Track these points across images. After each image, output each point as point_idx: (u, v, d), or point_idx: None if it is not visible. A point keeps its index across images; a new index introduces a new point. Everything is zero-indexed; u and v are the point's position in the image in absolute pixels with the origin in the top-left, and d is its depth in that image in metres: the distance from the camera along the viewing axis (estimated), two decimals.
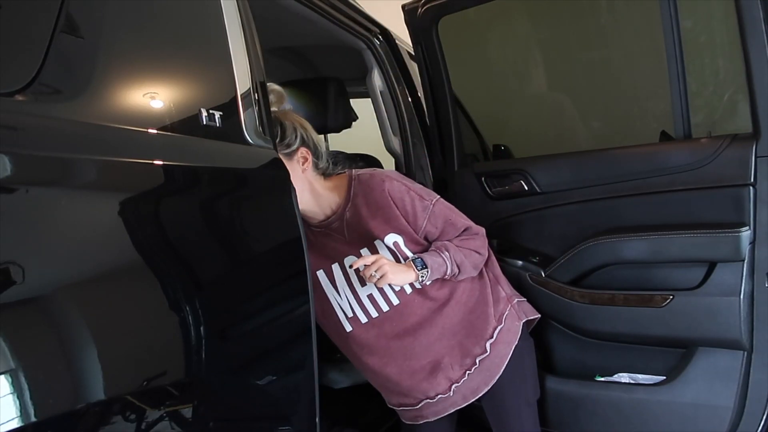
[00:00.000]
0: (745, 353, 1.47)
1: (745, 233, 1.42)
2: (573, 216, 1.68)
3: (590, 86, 1.97)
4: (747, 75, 1.42)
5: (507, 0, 1.85)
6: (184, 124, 0.95)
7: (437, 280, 1.41)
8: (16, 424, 0.61)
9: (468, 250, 1.43)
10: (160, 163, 0.87)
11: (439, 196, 1.46)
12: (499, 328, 1.45)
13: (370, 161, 2.10)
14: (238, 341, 0.98)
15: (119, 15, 0.89)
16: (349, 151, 2.10)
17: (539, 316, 1.57)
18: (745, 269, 1.44)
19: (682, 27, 1.54)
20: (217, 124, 1.01)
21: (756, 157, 1.42)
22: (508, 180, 1.78)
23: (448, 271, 1.38)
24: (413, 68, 2.12)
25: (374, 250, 1.41)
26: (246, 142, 1.08)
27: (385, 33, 2.06)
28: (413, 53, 1.98)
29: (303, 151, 1.37)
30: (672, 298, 1.51)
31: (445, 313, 1.43)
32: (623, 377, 1.65)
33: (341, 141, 2.24)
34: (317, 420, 1.15)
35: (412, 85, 2.09)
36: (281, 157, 1.23)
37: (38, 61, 0.73)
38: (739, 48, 1.42)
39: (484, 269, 1.51)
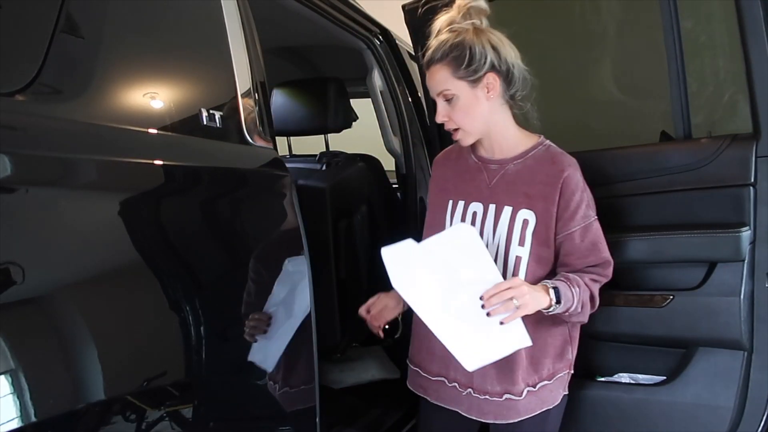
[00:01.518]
0: (746, 353, 1.47)
1: (746, 233, 1.42)
2: None
3: (590, 86, 1.97)
4: (747, 75, 1.42)
5: (507, 0, 1.84)
6: (185, 124, 0.95)
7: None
8: (16, 424, 0.61)
9: (593, 294, 1.32)
10: (161, 163, 0.87)
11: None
12: (545, 383, 1.36)
13: (370, 161, 2.09)
14: (238, 341, 0.98)
15: (119, 15, 0.89)
16: (349, 151, 2.10)
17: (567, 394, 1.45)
18: (745, 269, 1.44)
19: (682, 27, 1.54)
20: (218, 124, 1.01)
21: (756, 157, 1.42)
22: None
23: (571, 309, 1.27)
24: (413, 68, 2.12)
25: (499, 212, 1.32)
26: (246, 142, 1.09)
27: (386, 33, 2.06)
28: (413, 53, 1.98)
29: (490, 77, 1.28)
30: (672, 298, 1.51)
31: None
32: (623, 377, 1.64)
33: (341, 141, 2.24)
34: (317, 420, 1.15)
35: (412, 85, 2.09)
36: (465, 82, 1.26)
37: (38, 61, 0.73)
38: (740, 48, 1.42)
39: (572, 324, 1.40)
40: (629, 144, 1.68)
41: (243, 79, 1.10)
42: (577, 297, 1.27)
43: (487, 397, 1.35)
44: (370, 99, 2.09)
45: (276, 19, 1.70)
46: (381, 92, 2.03)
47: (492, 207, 1.34)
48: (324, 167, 1.96)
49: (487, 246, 1.29)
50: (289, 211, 1.12)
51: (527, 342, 1.24)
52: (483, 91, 1.29)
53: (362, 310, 1.42)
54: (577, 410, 1.65)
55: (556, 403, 1.39)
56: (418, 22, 1.85)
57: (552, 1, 1.91)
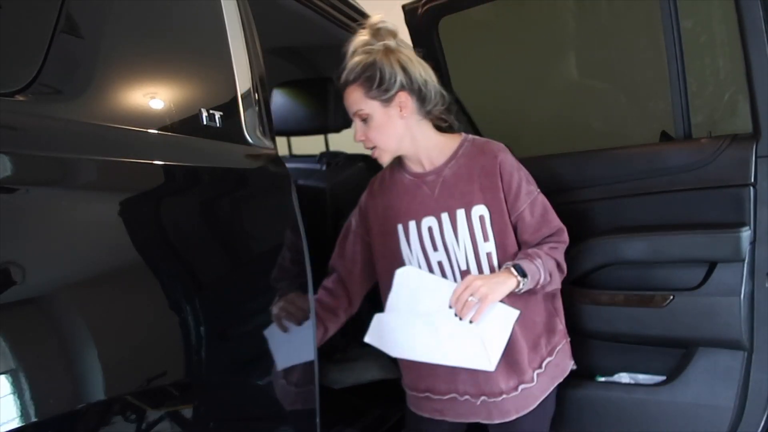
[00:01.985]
0: (746, 353, 1.47)
1: (746, 233, 1.42)
2: (573, 216, 1.68)
3: (591, 86, 1.97)
4: (747, 75, 1.42)
5: (507, 0, 1.84)
6: (185, 124, 0.95)
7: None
8: (16, 424, 0.61)
9: (557, 260, 1.35)
10: (161, 163, 0.87)
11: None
12: (548, 360, 1.39)
13: (371, 161, 2.09)
14: (238, 341, 0.98)
15: (119, 15, 0.89)
16: (349, 151, 2.10)
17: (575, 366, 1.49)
18: (745, 269, 1.44)
19: (682, 27, 1.54)
20: (218, 124, 1.01)
21: (756, 157, 1.42)
22: None
23: (541, 280, 1.30)
24: None
25: (453, 218, 1.35)
26: (246, 142, 1.08)
27: None
28: None
29: (401, 96, 1.31)
30: (672, 298, 1.51)
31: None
32: (624, 377, 1.64)
33: (341, 141, 2.24)
34: (317, 420, 1.15)
35: None
36: (377, 102, 1.29)
37: (38, 61, 0.73)
38: (739, 48, 1.42)
39: (551, 294, 1.43)
40: (629, 144, 1.68)
41: (243, 79, 1.10)
42: (542, 267, 1.30)
43: (504, 396, 1.36)
44: None
45: (276, 19, 1.70)
46: None
47: (445, 216, 1.36)
48: (324, 167, 1.97)
49: (455, 253, 1.36)
50: (289, 212, 1.12)
51: (515, 312, 1.29)
52: (396, 110, 1.32)
53: None
54: (577, 410, 1.65)
55: (566, 375, 1.43)
56: (418, 22, 1.86)
57: (552, 0, 1.91)
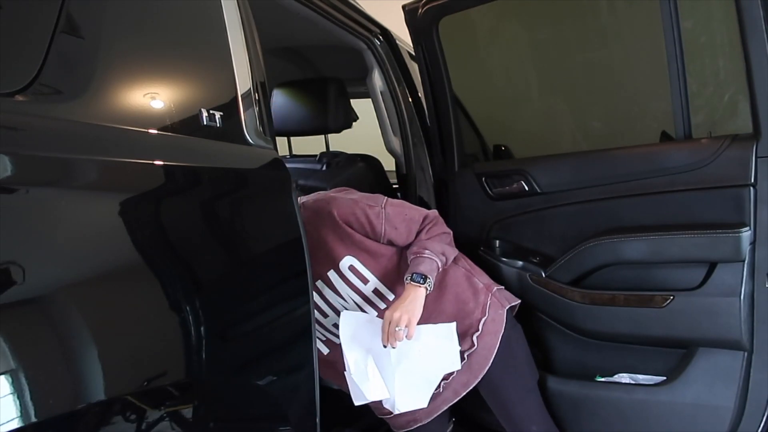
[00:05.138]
0: (746, 354, 1.47)
1: (746, 234, 1.42)
2: (573, 216, 1.68)
3: (591, 86, 1.97)
4: (747, 75, 1.42)
5: (507, 0, 1.84)
6: (185, 125, 0.95)
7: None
8: (16, 424, 0.61)
9: (438, 236, 1.42)
10: (161, 163, 0.87)
11: (386, 198, 1.44)
12: (483, 319, 1.45)
13: (370, 161, 2.09)
14: (238, 341, 0.98)
15: (120, 15, 0.89)
16: (349, 151, 2.10)
17: (520, 301, 1.58)
18: (745, 270, 1.44)
19: (682, 27, 1.54)
20: (218, 125, 1.01)
21: (756, 157, 1.42)
22: (508, 180, 1.78)
23: (440, 265, 1.38)
24: (414, 68, 2.12)
25: (328, 281, 1.41)
26: (246, 143, 1.08)
27: (386, 33, 2.06)
28: (414, 53, 1.98)
29: None
30: (672, 299, 1.51)
31: (438, 309, 1.43)
32: (624, 378, 1.64)
33: (341, 141, 2.24)
34: (317, 420, 1.15)
35: (412, 85, 2.09)
36: None
37: (38, 62, 0.73)
38: (740, 48, 1.42)
39: (455, 263, 1.50)
40: (629, 144, 1.68)
41: (243, 79, 1.10)
42: (433, 254, 1.37)
43: (456, 372, 1.43)
44: (370, 99, 2.08)
45: (276, 19, 1.70)
46: (381, 92, 2.03)
47: (319, 282, 1.42)
48: (324, 167, 1.97)
49: (354, 306, 1.42)
50: (289, 212, 1.12)
51: (451, 325, 1.39)
52: None
53: None
54: (577, 410, 1.65)
55: (505, 323, 1.47)
56: (419, 22, 1.86)
57: (552, 1, 1.91)
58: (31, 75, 0.72)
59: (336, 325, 1.40)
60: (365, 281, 1.41)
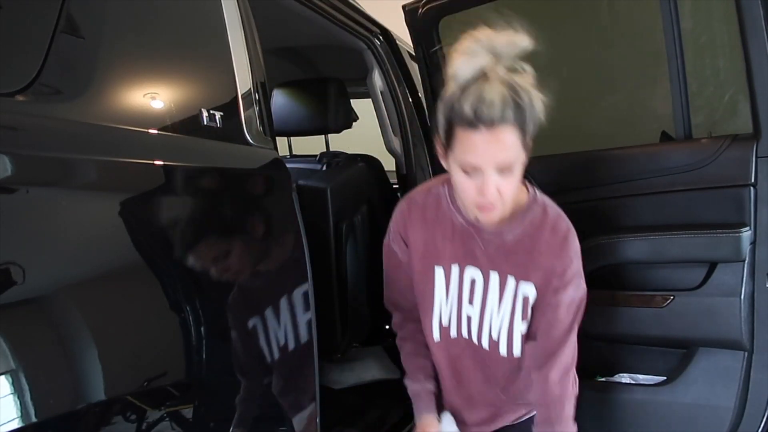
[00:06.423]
0: (746, 354, 1.47)
1: (746, 234, 1.42)
2: (573, 216, 1.68)
3: (591, 86, 1.97)
4: (747, 75, 1.42)
5: (507, 0, 1.84)
6: (185, 125, 0.95)
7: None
8: (16, 424, 0.61)
9: (565, 405, 1.28)
10: (161, 163, 0.87)
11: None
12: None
13: (371, 161, 2.09)
14: (238, 342, 0.98)
15: (120, 15, 0.89)
16: (349, 152, 2.10)
17: None
18: (745, 270, 1.44)
19: (682, 27, 1.54)
20: (218, 125, 1.01)
21: (756, 157, 1.42)
22: None
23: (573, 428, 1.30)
24: (414, 68, 2.11)
25: (504, 281, 1.22)
26: (246, 143, 1.08)
27: (386, 33, 2.06)
28: (414, 53, 1.98)
29: (437, 138, 1.16)
30: (672, 299, 1.51)
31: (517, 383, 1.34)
32: (624, 378, 1.65)
33: (341, 141, 2.24)
34: (317, 420, 1.15)
35: (412, 85, 2.09)
36: (525, 152, 1.10)
37: (39, 62, 0.73)
38: (740, 48, 1.42)
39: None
40: (629, 144, 1.68)
41: (243, 79, 1.10)
42: (564, 421, 1.27)
43: (520, 418, 1.41)
44: (370, 99, 2.08)
45: (276, 19, 1.70)
46: (381, 92, 2.03)
47: (494, 275, 1.23)
48: (324, 167, 1.96)
49: (491, 316, 1.25)
50: (289, 212, 1.12)
51: None
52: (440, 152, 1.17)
53: None
54: (577, 410, 1.65)
55: None
56: (419, 22, 1.86)
57: (552, 1, 1.91)
58: (31, 75, 0.72)
59: (469, 318, 1.27)
60: (524, 317, 1.22)
